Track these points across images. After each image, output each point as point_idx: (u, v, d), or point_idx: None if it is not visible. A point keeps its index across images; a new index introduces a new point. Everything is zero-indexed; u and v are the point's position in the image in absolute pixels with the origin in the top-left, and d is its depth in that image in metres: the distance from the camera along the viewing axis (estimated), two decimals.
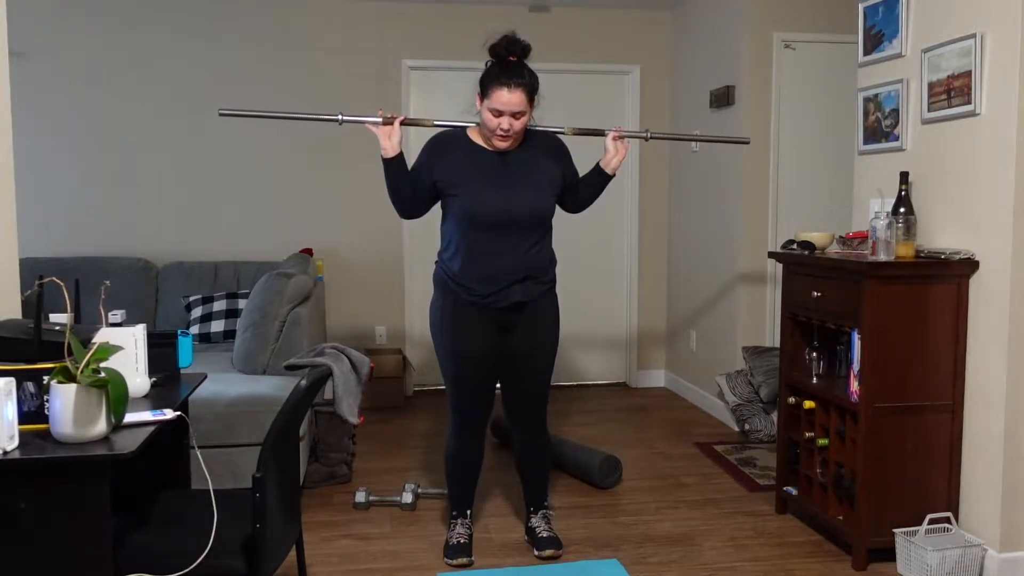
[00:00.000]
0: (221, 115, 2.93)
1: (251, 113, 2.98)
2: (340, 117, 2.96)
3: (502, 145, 2.90)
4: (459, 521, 3.24)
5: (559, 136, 3.10)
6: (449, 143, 2.99)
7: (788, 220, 4.96)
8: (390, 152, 2.93)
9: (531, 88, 2.85)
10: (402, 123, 2.93)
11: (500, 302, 2.96)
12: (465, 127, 3.03)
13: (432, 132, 3.10)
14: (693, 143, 5.49)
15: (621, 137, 3.06)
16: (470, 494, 3.28)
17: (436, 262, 3.13)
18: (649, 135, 3.15)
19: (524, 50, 2.89)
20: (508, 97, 2.80)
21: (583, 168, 3.16)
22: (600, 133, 3.09)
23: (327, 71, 5.62)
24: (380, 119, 2.90)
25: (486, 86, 2.84)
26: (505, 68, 2.83)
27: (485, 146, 2.96)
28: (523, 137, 2.99)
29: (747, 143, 3.23)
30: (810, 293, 3.32)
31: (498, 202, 2.90)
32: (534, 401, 3.16)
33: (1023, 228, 2.82)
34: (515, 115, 2.83)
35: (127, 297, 5.03)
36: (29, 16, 5.29)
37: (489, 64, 2.88)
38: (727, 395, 4.84)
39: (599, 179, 3.12)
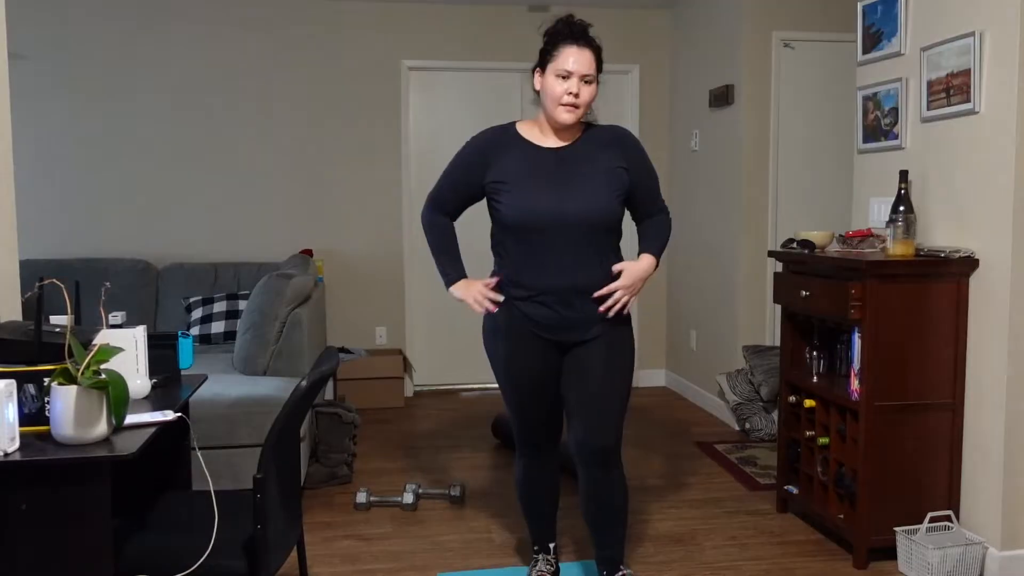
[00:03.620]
0: None
1: None
2: None
3: (568, 118, 2.50)
4: (540, 557, 2.91)
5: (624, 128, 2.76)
6: (501, 142, 2.63)
7: (788, 219, 4.96)
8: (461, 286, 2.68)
9: (599, 54, 2.55)
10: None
11: (556, 332, 2.61)
12: (512, 122, 2.72)
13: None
14: (692, 141, 5.49)
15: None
16: (549, 526, 2.91)
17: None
18: None
19: (585, 28, 2.56)
20: (578, 55, 2.48)
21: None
22: None
23: (327, 71, 5.62)
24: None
25: (549, 50, 2.53)
26: (565, 23, 2.54)
27: (538, 143, 2.60)
28: (583, 129, 2.63)
29: None
30: (809, 292, 3.32)
31: (551, 204, 2.51)
32: (600, 429, 2.60)
33: (1022, 226, 2.82)
34: (584, 79, 2.49)
35: (127, 299, 5.03)
36: (29, 18, 5.29)
37: (546, 39, 2.59)
38: (727, 394, 4.84)
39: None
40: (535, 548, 2.94)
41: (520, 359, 2.65)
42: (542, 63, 2.57)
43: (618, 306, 2.57)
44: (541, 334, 2.62)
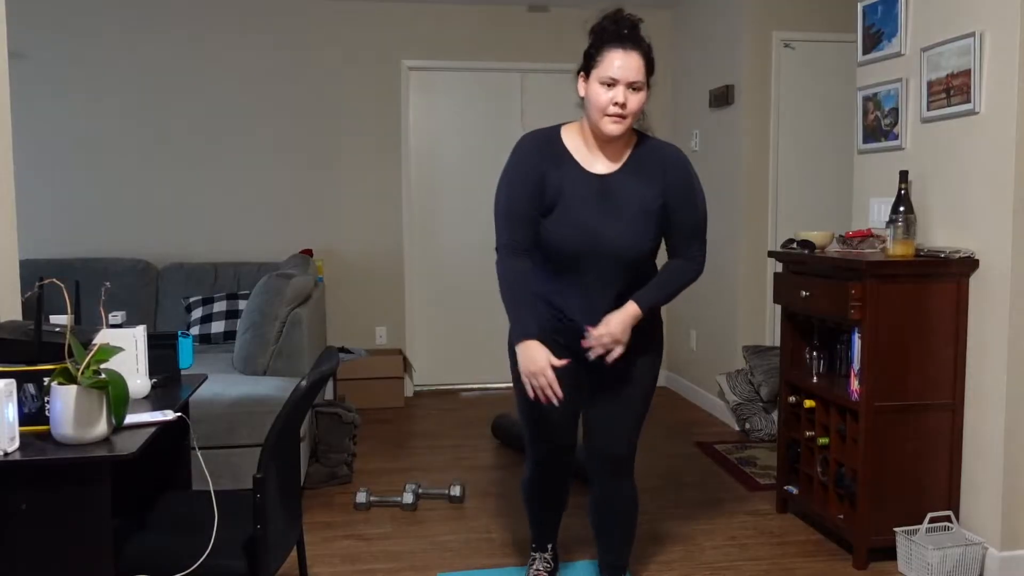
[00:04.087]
0: None
1: None
2: None
3: (614, 129, 2.31)
4: (538, 555, 2.89)
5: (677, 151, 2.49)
6: (550, 156, 2.41)
7: (788, 220, 4.96)
8: (533, 348, 2.34)
9: (649, 57, 2.32)
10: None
11: (577, 345, 2.50)
12: (557, 127, 2.50)
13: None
14: (692, 141, 5.49)
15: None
16: (552, 529, 2.85)
17: None
18: None
19: (634, 26, 2.34)
20: (624, 60, 2.26)
21: None
22: None
23: (327, 72, 5.62)
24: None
25: (593, 54, 2.32)
26: (618, 31, 2.31)
27: (585, 165, 2.41)
28: (633, 143, 2.45)
29: None
30: (809, 292, 3.32)
31: (588, 238, 2.38)
32: (616, 438, 2.57)
33: (1022, 226, 2.82)
34: (631, 86, 2.28)
35: (127, 298, 5.03)
36: (29, 17, 5.29)
37: (591, 39, 2.37)
38: (727, 394, 4.84)
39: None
40: (533, 546, 2.91)
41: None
42: (586, 67, 2.35)
43: (601, 351, 2.39)
44: (560, 340, 2.53)
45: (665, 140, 2.53)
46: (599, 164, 2.42)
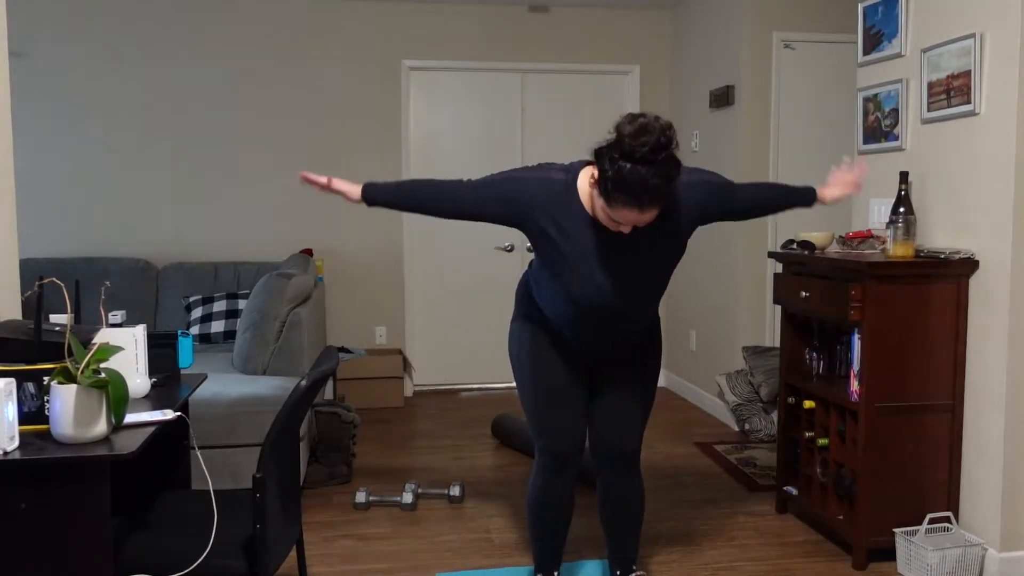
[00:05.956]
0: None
1: None
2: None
3: (612, 228, 2.28)
4: None
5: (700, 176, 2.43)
6: (563, 207, 2.31)
7: (788, 220, 4.96)
8: (355, 193, 2.42)
9: (667, 194, 2.16)
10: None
11: (589, 356, 2.61)
12: (576, 173, 2.35)
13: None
14: (692, 142, 5.50)
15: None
16: (558, 548, 2.74)
17: (525, 274, 2.68)
18: None
19: (668, 145, 2.09)
20: (637, 217, 2.14)
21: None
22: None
23: (327, 72, 5.62)
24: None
25: (609, 191, 2.11)
26: (639, 178, 2.06)
27: (597, 217, 2.30)
28: None
29: None
30: (809, 293, 3.32)
31: (600, 297, 2.37)
32: (622, 433, 2.61)
33: (1022, 227, 2.82)
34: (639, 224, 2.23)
35: (127, 298, 5.04)
36: (29, 16, 5.30)
37: (615, 154, 2.09)
38: (727, 395, 4.84)
39: (796, 200, 2.61)
40: (538, 575, 2.77)
41: (546, 350, 2.58)
42: (601, 185, 2.14)
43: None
44: (573, 354, 2.61)
45: None
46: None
